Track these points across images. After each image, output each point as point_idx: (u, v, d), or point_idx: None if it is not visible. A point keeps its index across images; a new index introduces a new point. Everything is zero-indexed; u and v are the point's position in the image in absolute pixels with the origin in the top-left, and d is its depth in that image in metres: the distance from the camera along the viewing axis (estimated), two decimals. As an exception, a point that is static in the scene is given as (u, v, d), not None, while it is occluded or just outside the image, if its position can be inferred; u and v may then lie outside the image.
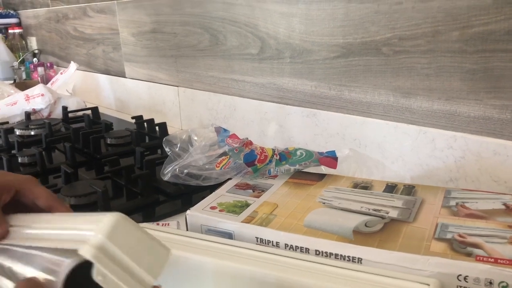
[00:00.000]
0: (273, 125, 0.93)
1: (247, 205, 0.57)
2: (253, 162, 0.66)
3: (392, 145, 0.73)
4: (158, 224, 0.60)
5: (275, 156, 0.67)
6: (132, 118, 1.18)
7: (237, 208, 0.56)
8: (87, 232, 0.31)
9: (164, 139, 0.75)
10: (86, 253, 0.29)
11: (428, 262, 0.42)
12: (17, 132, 1.18)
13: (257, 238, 0.51)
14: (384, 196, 0.57)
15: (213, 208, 0.57)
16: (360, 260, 0.45)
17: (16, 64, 1.90)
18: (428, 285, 0.39)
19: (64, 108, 1.33)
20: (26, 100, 1.32)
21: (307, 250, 0.48)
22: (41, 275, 0.32)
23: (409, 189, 0.59)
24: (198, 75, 1.12)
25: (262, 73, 0.93)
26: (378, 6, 0.70)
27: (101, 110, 1.38)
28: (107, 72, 1.54)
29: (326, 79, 0.81)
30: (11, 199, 0.44)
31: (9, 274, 0.36)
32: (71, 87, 1.59)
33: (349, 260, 0.46)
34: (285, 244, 0.50)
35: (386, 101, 0.73)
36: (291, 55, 0.86)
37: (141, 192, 0.77)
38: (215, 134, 0.74)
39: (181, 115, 1.21)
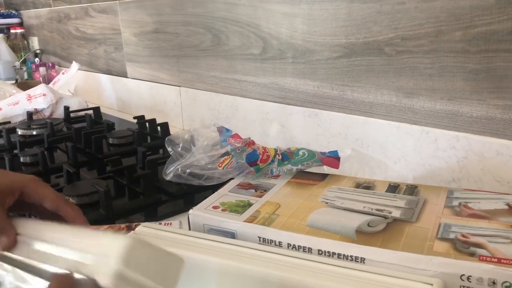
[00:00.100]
0: (275, 125, 0.93)
1: (249, 204, 0.57)
2: (255, 162, 0.66)
3: (394, 145, 0.73)
4: (160, 224, 0.60)
5: (277, 156, 0.67)
6: (134, 118, 1.18)
7: (239, 208, 0.56)
8: (101, 257, 0.31)
9: (166, 139, 0.75)
10: (106, 282, 0.30)
11: (431, 262, 0.42)
12: (19, 132, 1.19)
13: (259, 237, 0.51)
14: (387, 196, 0.57)
15: (215, 207, 0.57)
16: (363, 260, 0.45)
17: (18, 64, 1.90)
18: (431, 284, 0.39)
19: (66, 108, 1.33)
20: (28, 100, 1.32)
21: (309, 250, 0.48)
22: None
23: (412, 189, 0.59)
24: (200, 75, 1.12)
25: (264, 73, 0.93)
26: (381, 6, 0.70)
27: (102, 110, 1.38)
28: (108, 72, 1.54)
29: (328, 79, 0.81)
30: (16, 200, 0.44)
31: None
32: (73, 87, 1.59)
33: (352, 260, 0.46)
34: (288, 244, 0.49)
35: (388, 101, 0.73)
36: (294, 55, 0.86)
37: (143, 192, 0.77)
38: (218, 134, 0.74)
39: (183, 115, 1.21)
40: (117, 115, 1.43)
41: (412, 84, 0.69)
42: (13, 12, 2.14)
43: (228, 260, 0.45)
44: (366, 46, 0.74)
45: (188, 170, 0.68)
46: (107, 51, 1.51)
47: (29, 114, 1.29)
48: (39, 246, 0.39)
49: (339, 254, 0.46)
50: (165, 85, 1.25)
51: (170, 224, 0.61)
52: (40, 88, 1.34)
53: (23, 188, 0.44)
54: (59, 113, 1.36)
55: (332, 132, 0.82)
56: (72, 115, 1.32)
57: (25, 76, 1.87)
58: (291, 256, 0.45)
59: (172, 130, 1.11)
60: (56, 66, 1.84)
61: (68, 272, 0.34)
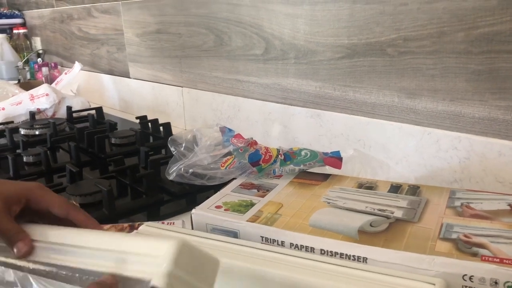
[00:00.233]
0: (277, 125, 0.94)
1: (252, 204, 0.57)
2: (258, 162, 0.66)
3: (396, 146, 0.73)
4: (163, 223, 0.60)
5: (279, 156, 0.67)
6: (137, 118, 1.19)
7: (242, 208, 0.57)
8: (150, 258, 0.32)
9: (169, 139, 0.76)
10: (160, 282, 0.31)
11: (433, 261, 0.42)
12: (22, 131, 1.19)
13: (262, 237, 0.51)
14: (389, 196, 0.58)
15: (218, 207, 0.57)
16: (365, 260, 0.45)
17: (20, 64, 1.90)
18: (434, 284, 0.40)
19: (69, 108, 1.33)
20: (30, 100, 1.32)
21: (312, 249, 0.48)
22: None
23: (414, 190, 0.59)
24: (202, 76, 1.12)
25: (267, 73, 0.94)
26: (383, 7, 0.70)
27: (105, 110, 1.38)
28: (111, 72, 1.54)
29: (330, 80, 0.81)
30: (22, 209, 0.43)
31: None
32: (76, 87, 1.59)
33: (354, 260, 0.46)
34: (290, 243, 0.50)
35: (390, 101, 0.73)
36: (296, 55, 0.86)
37: (146, 192, 0.77)
38: (220, 134, 0.74)
39: (185, 115, 1.21)
40: (120, 115, 1.43)
41: (414, 85, 0.69)
42: (16, 12, 2.14)
43: (231, 259, 0.45)
44: (369, 47, 0.74)
45: (190, 170, 0.68)
46: (109, 51, 1.52)
47: (32, 114, 1.29)
48: (65, 251, 0.39)
49: (341, 254, 0.47)
50: (167, 86, 1.26)
51: (173, 223, 0.61)
52: (43, 88, 1.35)
53: (29, 195, 0.44)
54: (62, 113, 1.36)
55: (334, 133, 0.82)
56: (74, 115, 1.32)
57: (28, 76, 1.87)
58: (293, 256, 0.45)
59: (174, 131, 1.11)
60: (59, 66, 1.85)
61: (108, 276, 0.35)
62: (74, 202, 0.59)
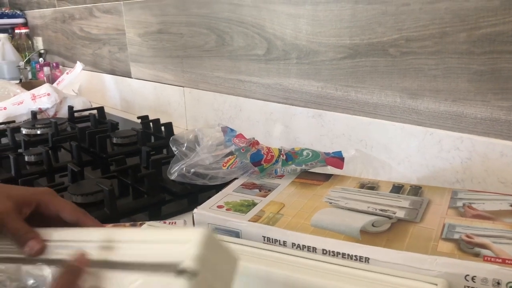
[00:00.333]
0: (278, 125, 0.94)
1: (254, 204, 0.57)
2: (259, 162, 0.66)
3: (398, 146, 0.73)
4: (165, 223, 0.60)
5: (281, 156, 0.67)
6: (138, 118, 1.19)
7: (244, 207, 0.57)
8: (180, 244, 0.33)
9: (171, 138, 0.76)
10: (191, 264, 0.31)
11: (435, 262, 0.42)
12: (24, 131, 1.19)
13: (264, 237, 0.51)
14: (391, 196, 0.57)
15: (220, 207, 0.57)
16: (367, 260, 0.45)
17: (22, 64, 1.91)
18: (436, 285, 0.40)
19: (70, 108, 1.33)
20: (32, 99, 1.33)
21: (314, 249, 0.48)
22: None
23: (416, 190, 0.59)
24: (204, 76, 1.12)
25: (268, 73, 0.94)
26: (385, 7, 0.70)
27: (106, 110, 1.38)
28: (112, 72, 1.55)
29: (332, 80, 0.81)
30: (32, 212, 0.44)
31: None
32: (77, 87, 1.60)
33: (356, 260, 0.46)
34: (292, 243, 0.50)
35: (392, 102, 0.73)
36: (298, 56, 0.86)
37: (148, 191, 0.77)
38: (222, 133, 0.74)
39: (186, 115, 1.21)
40: (121, 115, 1.43)
41: (416, 85, 0.69)
42: (18, 12, 2.15)
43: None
44: (371, 47, 0.74)
45: (192, 170, 0.68)
46: (111, 51, 1.52)
47: (34, 114, 1.29)
48: (79, 247, 0.39)
49: (343, 254, 0.47)
50: (169, 86, 1.26)
51: (175, 223, 0.61)
52: (45, 88, 1.35)
53: (39, 199, 0.44)
54: (63, 113, 1.36)
55: (336, 133, 0.82)
56: (76, 114, 1.32)
57: (29, 76, 1.87)
58: (295, 256, 0.45)
59: (176, 131, 1.11)
60: (60, 66, 1.85)
61: (78, 256, 0.36)
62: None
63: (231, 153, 0.69)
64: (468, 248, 0.44)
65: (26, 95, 1.34)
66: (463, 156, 0.65)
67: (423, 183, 0.66)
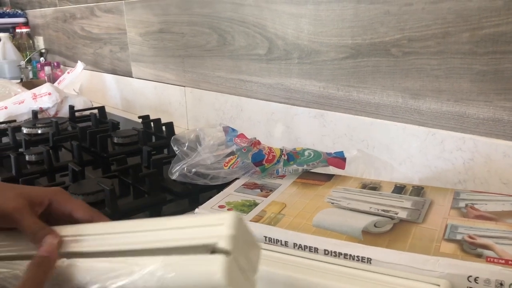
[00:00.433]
0: (280, 125, 0.93)
1: (255, 204, 0.57)
2: (261, 162, 0.66)
3: (400, 147, 0.73)
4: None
5: (283, 156, 0.67)
6: (139, 117, 1.19)
7: (245, 207, 0.56)
8: (214, 227, 0.34)
9: (172, 138, 0.76)
10: (226, 244, 0.32)
11: (438, 263, 0.42)
12: (25, 130, 1.19)
13: (265, 237, 0.51)
14: (393, 197, 0.57)
15: (221, 207, 0.57)
16: (369, 260, 0.45)
17: (23, 63, 1.90)
18: (438, 285, 0.39)
19: (71, 107, 1.33)
20: (33, 98, 1.32)
21: (316, 250, 0.48)
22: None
23: (418, 190, 0.59)
24: (205, 75, 1.12)
25: (270, 73, 0.94)
26: (388, 7, 0.70)
27: (107, 109, 1.38)
28: (113, 72, 1.54)
29: (334, 80, 0.81)
30: (44, 211, 0.43)
31: None
32: (78, 86, 1.59)
33: (358, 260, 0.46)
34: (294, 244, 0.49)
35: (394, 102, 0.73)
36: (299, 55, 0.86)
37: (148, 191, 0.77)
38: (223, 133, 0.74)
39: (187, 115, 1.21)
40: (122, 114, 1.43)
41: (419, 85, 0.69)
42: (19, 11, 2.15)
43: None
44: (373, 47, 0.74)
45: (193, 170, 0.68)
46: (112, 50, 1.52)
47: (34, 113, 1.29)
48: (107, 238, 0.39)
49: (345, 254, 0.46)
50: (170, 85, 1.26)
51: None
52: (46, 87, 1.34)
53: (52, 198, 0.44)
54: (64, 112, 1.36)
55: (337, 133, 0.82)
56: (77, 114, 1.32)
57: (30, 75, 1.87)
58: (297, 256, 0.45)
59: (177, 130, 1.11)
60: (61, 66, 1.85)
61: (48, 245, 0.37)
62: None
63: (232, 153, 0.69)
64: (471, 249, 0.44)
65: (27, 94, 1.34)
66: (465, 156, 0.65)
67: (425, 183, 0.66)
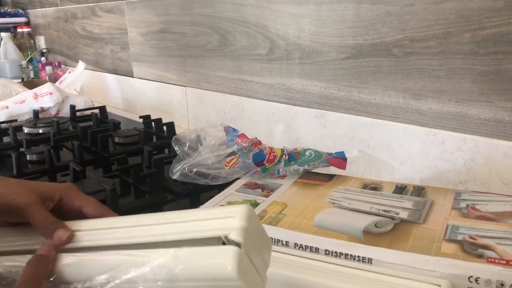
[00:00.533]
0: (281, 125, 0.93)
1: (256, 204, 0.57)
2: (262, 162, 0.66)
3: (401, 147, 0.73)
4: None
5: (284, 156, 0.67)
6: (140, 117, 1.19)
7: (246, 207, 0.56)
8: (226, 220, 0.34)
9: (173, 138, 0.76)
10: (237, 236, 0.32)
11: (439, 263, 0.42)
12: (26, 130, 1.19)
13: (266, 237, 0.51)
14: (394, 197, 0.57)
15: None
16: (370, 260, 0.45)
17: (24, 63, 1.90)
18: (439, 286, 0.39)
19: (72, 107, 1.33)
20: (34, 98, 1.32)
21: (316, 250, 0.48)
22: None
23: (419, 191, 0.59)
24: (206, 75, 1.12)
25: (271, 73, 0.94)
26: (389, 7, 0.70)
27: (108, 109, 1.38)
28: (115, 71, 1.54)
29: (335, 80, 0.81)
30: (55, 206, 0.44)
31: None
32: (79, 86, 1.59)
33: (359, 260, 0.46)
34: (295, 244, 0.49)
35: (395, 102, 0.73)
36: (301, 56, 0.86)
37: (149, 191, 0.77)
38: (224, 133, 0.74)
39: (188, 115, 1.21)
40: (123, 114, 1.43)
41: (420, 85, 0.69)
42: (20, 11, 2.15)
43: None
44: (374, 47, 0.74)
45: (194, 169, 0.68)
46: (113, 50, 1.52)
47: (36, 113, 1.29)
48: (119, 231, 0.39)
49: (346, 255, 0.46)
50: (171, 85, 1.26)
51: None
52: (47, 87, 1.35)
53: (63, 194, 0.44)
54: (65, 112, 1.36)
55: (338, 133, 0.82)
56: (78, 114, 1.32)
57: (31, 75, 1.87)
58: (298, 256, 0.45)
59: (177, 130, 1.11)
60: (62, 65, 1.85)
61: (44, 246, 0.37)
62: None
63: (233, 153, 0.69)
64: (472, 249, 0.44)
65: (28, 94, 1.34)
66: (466, 157, 0.65)
67: (426, 184, 0.66)
